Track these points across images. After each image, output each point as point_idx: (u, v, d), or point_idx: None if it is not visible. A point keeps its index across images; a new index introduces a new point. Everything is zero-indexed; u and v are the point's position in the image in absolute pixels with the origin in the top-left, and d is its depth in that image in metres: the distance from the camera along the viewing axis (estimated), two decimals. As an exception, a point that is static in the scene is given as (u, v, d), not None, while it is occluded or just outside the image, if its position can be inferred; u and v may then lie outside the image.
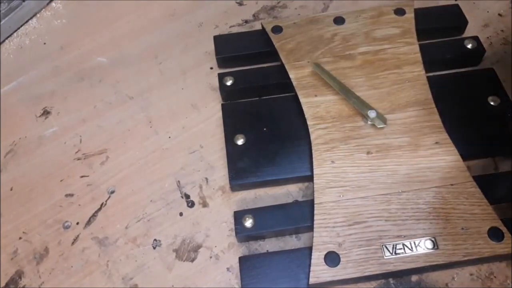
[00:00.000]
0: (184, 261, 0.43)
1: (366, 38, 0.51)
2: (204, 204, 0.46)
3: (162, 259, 0.43)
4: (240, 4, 0.60)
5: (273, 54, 0.51)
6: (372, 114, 0.45)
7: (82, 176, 0.48)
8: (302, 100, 0.47)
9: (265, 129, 0.47)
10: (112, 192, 0.47)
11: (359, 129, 0.45)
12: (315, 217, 0.41)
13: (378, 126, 0.45)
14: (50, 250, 0.44)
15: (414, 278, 0.41)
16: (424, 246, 0.40)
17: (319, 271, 0.39)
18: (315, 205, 0.42)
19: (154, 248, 0.44)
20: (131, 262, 0.43)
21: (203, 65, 0.55)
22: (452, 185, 0.42)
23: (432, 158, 0.43)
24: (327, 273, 0.39)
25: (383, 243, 0.40)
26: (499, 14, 0.56)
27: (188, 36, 0.57)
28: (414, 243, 0.40)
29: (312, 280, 0.39)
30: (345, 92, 0.47)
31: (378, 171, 0.43)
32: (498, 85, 0.49)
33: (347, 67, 0.49)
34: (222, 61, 0.54)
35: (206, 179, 0.47)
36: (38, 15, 0.61)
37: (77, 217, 0.46)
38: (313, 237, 0.40)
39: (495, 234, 0.39)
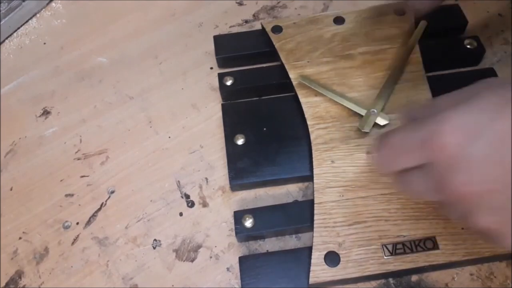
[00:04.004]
0: (184, 261, 0.43)
1: (366, 38, 0.51)
2: (204, 204, 0.46)
3: (162, 259, 0.43)
4: (240, 4, 0.60)
5: (273, 54, 0.51)
6: (372, 113, 0.45)
7: (82, 176, 0.48)
8: (302, 100, 0.47)
9: (265, 129, 0.47)
10: (112, 192, 0.47)
11: (359, 128, 0.45)
12: (315, 217, 0.41)
13: (381, 124, 0.45)
14: (50, 250, 0.44)
15: (414, 278, 0.41)
16: (424, 246, 0.40)
17: (319, 271, 0.39)
18: (315, 205, 0.42)
19: (154, 248, 0.44)
20: (131, 262, 0.43)
21: (203, 65, 0.55)
22: None
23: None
24: (327, 273, 0.39)
25: (383, 243, 0.40)
26: (499, 14, 0.56)
27: (188, 36, 0.57)
28: (414, 243, 0.40)
29: (312, 280, 0.39)
30: (339, 99, 0.46)
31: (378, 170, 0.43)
32: (498, 85, 0.49)
33: (347, 67, 0.49)
34: (222, 61, 0.53)
35: (206, 179, 0.47)
36: (38, 15, 0.61)
37: (77, 217, 0.46)
38: (313, 237, 0.40)
39: (495, 234, 0.39)
